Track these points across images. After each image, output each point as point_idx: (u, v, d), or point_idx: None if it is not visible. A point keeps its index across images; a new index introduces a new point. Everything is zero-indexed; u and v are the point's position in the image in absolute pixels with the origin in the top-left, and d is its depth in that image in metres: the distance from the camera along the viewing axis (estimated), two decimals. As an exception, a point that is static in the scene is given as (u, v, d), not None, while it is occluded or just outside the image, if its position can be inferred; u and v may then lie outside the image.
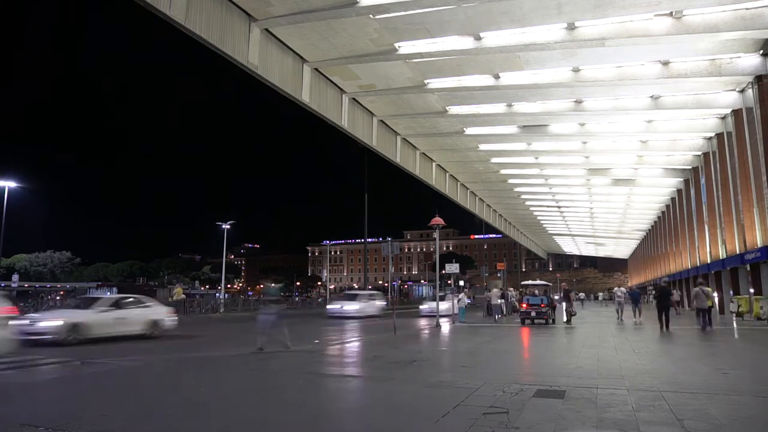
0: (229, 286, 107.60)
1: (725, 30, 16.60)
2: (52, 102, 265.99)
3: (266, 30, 18.01)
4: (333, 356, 11.66)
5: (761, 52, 19.43)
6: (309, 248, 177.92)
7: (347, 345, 14.29)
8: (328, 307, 28.89)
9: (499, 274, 59.54)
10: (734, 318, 20.10)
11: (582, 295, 69.64)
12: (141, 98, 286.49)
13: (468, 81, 22.34)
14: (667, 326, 17.27)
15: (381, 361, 10.64)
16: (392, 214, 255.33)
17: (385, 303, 30.38)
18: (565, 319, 22.30)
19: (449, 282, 54.38)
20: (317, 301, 55.75)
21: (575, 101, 24.62)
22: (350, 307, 27.97)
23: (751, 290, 24.89)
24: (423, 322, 23.93)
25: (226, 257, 54.32)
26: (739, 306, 25.01)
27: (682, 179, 37.44)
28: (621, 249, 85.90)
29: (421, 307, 32.63)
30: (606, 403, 6.09)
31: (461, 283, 54.76)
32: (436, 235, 22.45)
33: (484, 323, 23.06)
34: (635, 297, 23.49)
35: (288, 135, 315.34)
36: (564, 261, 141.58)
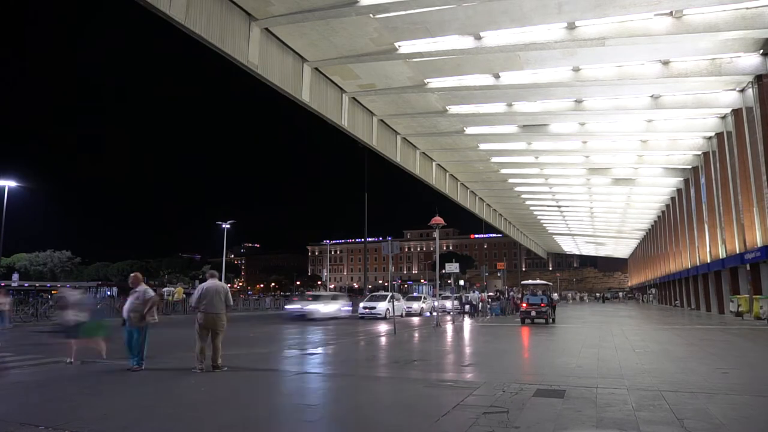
0: (229, 285, 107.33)
1: (725, 29, 16.57)
2: (52, 102, 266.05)
3: (266, 29, 17.98)
4: (332, 355, 11.66)
5: (761, 51, 19.41)
6: (309, 248, 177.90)
7: (346, 344, 14.28)
8: (286, 307, 28.13)
9: (499, 274, 59.61)
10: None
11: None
12: (141, 98, 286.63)
13: (468, 80, 22.31)
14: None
15: (381, 360, 10.66)
16: (392, 214, 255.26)
17: (350, 306, 29.24)
18: None
19: (449, 281, 54.36)
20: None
21: (575, 101, 24.60)
22: (312, 307, 26.35)
23: (751, 290, 24.90)
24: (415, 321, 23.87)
25: (226, 257, 54.35)
26: (739, 306, 25.02)
27: (682, 179, 37.43)
28: (621, 248, 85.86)
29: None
30: (606, 403, 6.10)
31: (471, 283, 54.74)
32: (436, 234, 22.47)
33: (486, 323, 23.06)
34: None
35: (288, 134, 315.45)
36: (564, 260, 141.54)
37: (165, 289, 35.89)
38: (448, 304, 32.88)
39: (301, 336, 16.68)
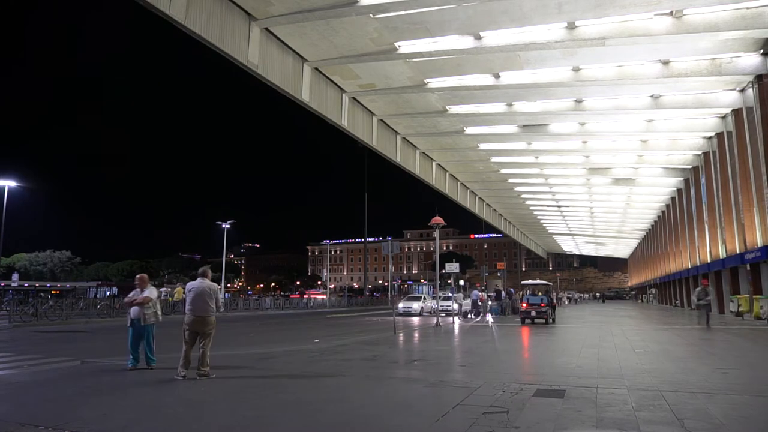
0: (229, 285, 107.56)
1: (725, 29, 16.58)
2: (52, 101, 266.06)
3: (266, 29, 17.99)
4: (333, 355, 11.64)
5: (761, 51, 19.40)
6: (309, 248, 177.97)
7: (347, 344, 14.26)
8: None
9: (499, 274, 59.61)
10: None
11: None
12: (140, 97, 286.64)
13: (468, 80, 22.31)
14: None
15: (381, 360, 10.64)
16: (392, 214, 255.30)
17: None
18: None
19: (449, 281, 54.38)
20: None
21: (575, 100, 24.60)
22: None
23: (751, 290, 24.89)
24: (416, 321, 23.88)
25: (226, 257, 54.29)
26: (739, 306, 25.01)
27: (682, 179, 37.42)
28: (621, 248, 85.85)
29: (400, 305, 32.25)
30: (606, 403, 6.09)
31: (471, 283, 54.82)
32: (436, 234, 22.47)
33: (485, 324, 23.05)
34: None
35: (288, 134, 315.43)
36: (564, 260, 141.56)
37: (162, 288, 35.80)
38: (455, 304, 32.39)
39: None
